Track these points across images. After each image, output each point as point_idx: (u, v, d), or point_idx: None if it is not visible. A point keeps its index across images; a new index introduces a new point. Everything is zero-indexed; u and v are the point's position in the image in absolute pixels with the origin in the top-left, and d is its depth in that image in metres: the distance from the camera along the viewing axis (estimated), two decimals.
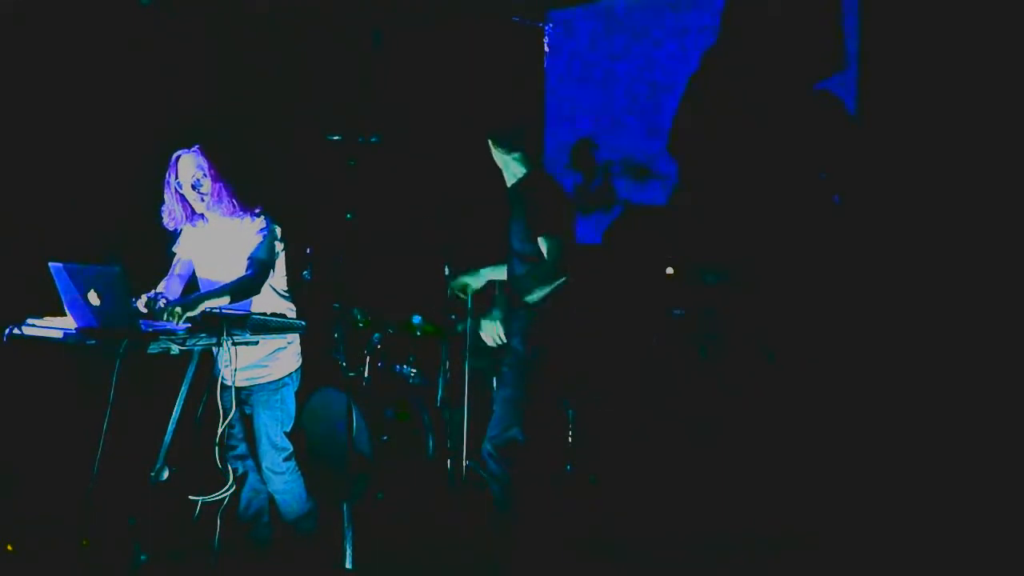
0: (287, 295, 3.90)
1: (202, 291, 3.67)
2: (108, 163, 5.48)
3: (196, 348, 3.37)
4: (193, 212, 3.76)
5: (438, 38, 6.38)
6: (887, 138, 5.10)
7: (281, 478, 3.85)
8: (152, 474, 3.39)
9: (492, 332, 3.97)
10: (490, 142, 4.00)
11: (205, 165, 3.66)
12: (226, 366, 3.46)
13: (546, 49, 6.44)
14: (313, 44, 6.37)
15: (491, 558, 3.95)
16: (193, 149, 3.69)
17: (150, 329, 3.20)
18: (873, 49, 5.21)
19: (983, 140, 4.76)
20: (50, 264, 3.29)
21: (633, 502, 4.92)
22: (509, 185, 4.01)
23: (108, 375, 3.18)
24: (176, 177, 3.69)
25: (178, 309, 3.28)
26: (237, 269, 3.66)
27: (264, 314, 3.46)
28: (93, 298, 3.18)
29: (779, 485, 4.86)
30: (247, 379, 3.77)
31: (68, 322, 3.37)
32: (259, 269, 3.66)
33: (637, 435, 5.46)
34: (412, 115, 6.24)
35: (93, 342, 3.25)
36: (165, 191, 3.74)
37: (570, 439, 5.16)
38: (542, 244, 3.77)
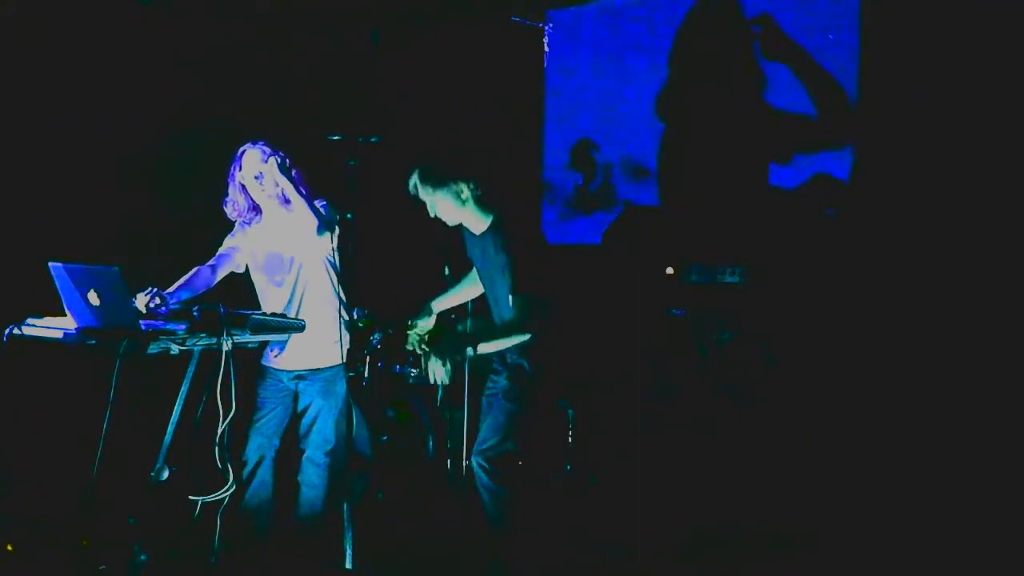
0: (342, 300, 3.97)
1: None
2: (108, 163, 5.48)
3: (196, 348, 3.37)
4: (254, 204, 3.88)
5: (438, 38, 6.38)
6: (887, 138, 5.10)
7: (317, 470, 3.92)
8: (152, 474, 3.39)
9: (438, 370, 3.65)
10: (445, 195, 3.69)
11: (268, 162, 3.78)
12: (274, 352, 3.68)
13: (546, 49, 6.44)
14: (313, 44, 6.37)
15: (494, 557, 3.95)
16: (258, 144, 3.84)
17: (150, 329, 3.20)
18: (873, 52, 5.22)
19: (983, 141, 4.76)
20: (50, 264, 3.29)
21: (633, 502, 4.92)
22: (477, 233, 3.81)
23: (108, 375, 3.18)
24: (240, 170, 3.84)
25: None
26: (315, 256, 3.86)
27: (264, 314, 3.48)
28: (93, 298, 3.18)
29: (779, 485, 4.86)
30: (300, 364, 3.88)
31: (68, 322, 3.38)
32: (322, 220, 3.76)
33: (637, 435, 5.46)
34: (412, 115, 6.24)
35: (93, 342, 3.26)
36: (229, 184, 3.88)
37: (570, 439, 5.16)
38: (512, 303, 3.65)
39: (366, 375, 5.27)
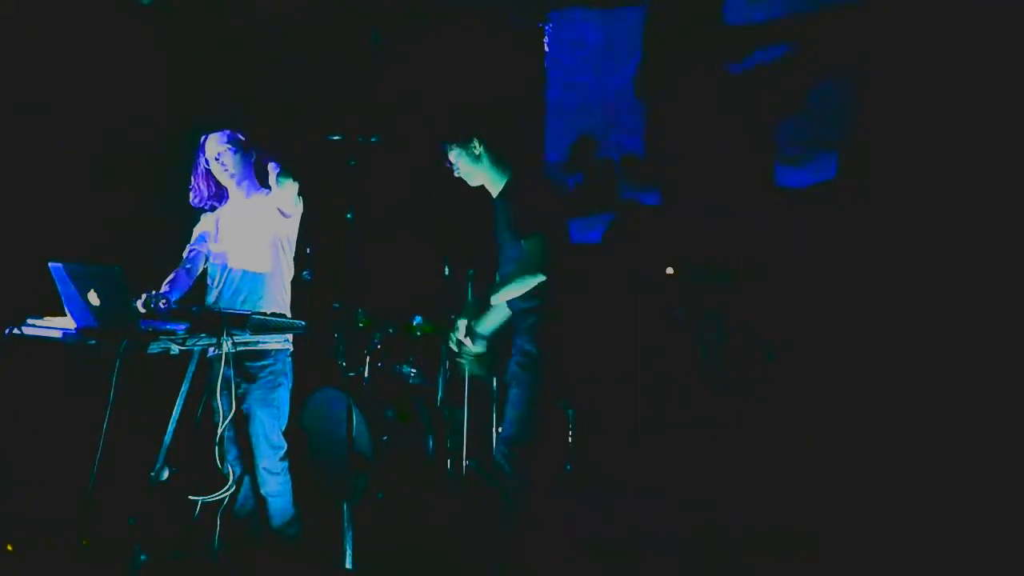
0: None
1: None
2: (108, 163, 5.49)
3: (196, 348, 3.37)
4: (218, 188, 3.95)
5: (438, 38, 6.38)
6: (887, 135, 5.11)
7: (277, 479, 3.87)
8: (152, 474, 3.39)
9: (461, 335, 3.84)
10: (481, 146, 3.82)
11: (228, 142, 3.90)
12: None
13: (546, 49, 6.44)
14: (313, 44, 6.37)
15: (494, 557, 3.95)
16: (216, 132, 3.93)
17: (150, 329, 3.20)
18: (874, 53, 5.22)
19: (981, 140, 4.77)
20: (50, 264, 3.29)
21: (633, 502, 4.92)
22: (495, 195, 3.90)
23: (108, 375, 3.18)
24: (203, 155, 3.93)
25: None
26: (258, 248, 3.85)
27: (264, 314, 3.48)
28: (93, 298, 3.18)
29: (779, 485, 4.86)
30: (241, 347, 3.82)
31: (68, 322, 3.38)
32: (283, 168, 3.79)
33: (637, 435, 5.46)
34: (412, 115, 6.24)
35: (93, 342, 3.26)
36: (193, 172, 3.96)
37: (570, 439, 5.16)
38: (523, 246, 3.71)
39: (366, 375, 5.28)
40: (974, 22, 4.78)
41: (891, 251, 5.01)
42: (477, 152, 3.81)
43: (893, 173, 5.06)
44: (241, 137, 3.94)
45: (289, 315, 3.93)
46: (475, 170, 3.85)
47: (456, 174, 3.88)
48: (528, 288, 3.71)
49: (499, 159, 3.84)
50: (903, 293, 4.92)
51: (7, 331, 3.36)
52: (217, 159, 3.89)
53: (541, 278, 3.68)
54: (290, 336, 3.91)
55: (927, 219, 4.90)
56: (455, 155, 3.84)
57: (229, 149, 3.89)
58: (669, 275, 5.71)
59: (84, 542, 3.40)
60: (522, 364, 3.80)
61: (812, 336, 5.19)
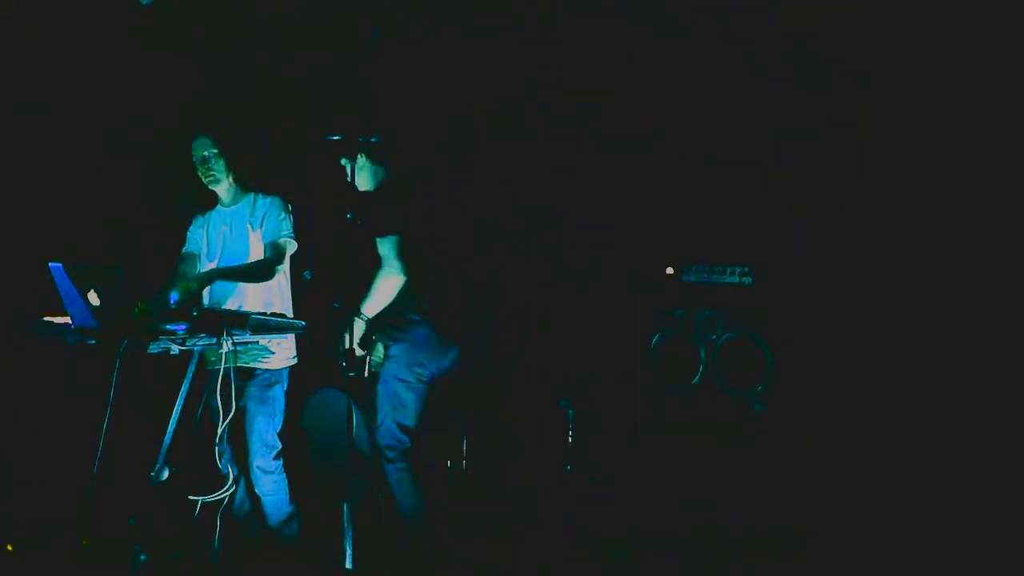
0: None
1: (216, 268, 3.86)
2: (108, 163, 5.48)
3: (196, 348, 3.37)
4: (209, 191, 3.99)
5: (438, 38, 6.38)
6: (889, 139, 5.11)
7: (270, 478, 3.88)
8: (152, 474, 3.39)
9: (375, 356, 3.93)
10: (365, 158, 3.95)
11: (213, 145, 3.94)
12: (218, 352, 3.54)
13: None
14: (313, 43, 6.37)
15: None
16: (203, 136, 3.98)
17: (150, 329, 3.21)
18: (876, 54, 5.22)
19: (988, 141, 4.77)
20: (50, 264, 3.29)
21: (633, 502, 4.92)
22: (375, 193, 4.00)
23: (108, 375, 3.19)
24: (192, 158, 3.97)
25: (192, 284, 3.51)
26: (247, 250, 3.87)
27: (264, 314, 3.48)
28: (93, 298, 3.18)
29: (779, 485, 4.86)
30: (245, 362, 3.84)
31: (68, 322, 3.38)
32: (273, 252, 3.85)
33: (637, 435, 5.46)
34: (412, 115, 6.23)
35: (93, 342, 3.26)
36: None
37: (570, 439, 5.16)
38: (378, 249, 3.78)
39: (366, 375, 5.27)
40: (974, 25, 4.79)
41: (891, 251, 5.01)
42: (361, 163, 3.96)
43: (893, 173, 5.06)
44: (227, 140, 3.97)
45: (290, 315, 3.94)
46: (359, 177, 3.98)
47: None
48: (392, 292, 3.77)
49: (378, 168, 3.97)
50: (903, 293, 4.92)
51: (29, 328, 3.39)
52: (202, 163, 3.92)
53: (402, 278, 3.73)
54: (293, 354, 3.93)
55: (927, 219, 4.90)
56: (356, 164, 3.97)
57: (215, 153, 3.92)
58: (669, 275, 5.71)
59: (84, 542, 3.40)
60: (389, 358, 3.90)
61: (812, 336, 5.19)
